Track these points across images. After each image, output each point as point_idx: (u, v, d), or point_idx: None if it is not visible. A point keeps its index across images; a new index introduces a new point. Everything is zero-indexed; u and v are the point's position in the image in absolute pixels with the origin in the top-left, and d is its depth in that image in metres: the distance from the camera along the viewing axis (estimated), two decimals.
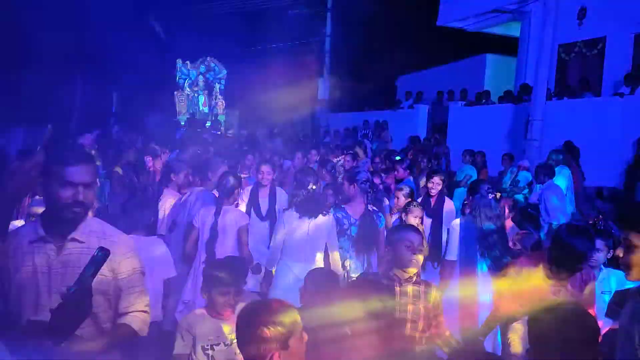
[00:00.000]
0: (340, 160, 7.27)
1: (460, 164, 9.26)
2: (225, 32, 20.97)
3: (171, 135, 13.46)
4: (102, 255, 1.66)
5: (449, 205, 5.15)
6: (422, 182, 6.12)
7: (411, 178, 6.73)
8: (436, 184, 5.09)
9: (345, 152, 8.60)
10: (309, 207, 3.99)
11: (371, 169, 7.29)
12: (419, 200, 5.10)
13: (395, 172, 6.58)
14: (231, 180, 4.10)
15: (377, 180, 5.77)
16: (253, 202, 5.03)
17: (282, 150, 9.90)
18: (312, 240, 3.96)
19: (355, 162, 7.68)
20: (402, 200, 4.92)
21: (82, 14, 14.64)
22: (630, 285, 2.39)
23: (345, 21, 19.77)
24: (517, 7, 11.76)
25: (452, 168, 10.37)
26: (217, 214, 3.98)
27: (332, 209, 4.24)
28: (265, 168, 5.11)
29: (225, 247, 3.93)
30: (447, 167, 10.50)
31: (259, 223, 4.94)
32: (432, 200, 5.10)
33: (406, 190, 5.07)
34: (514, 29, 12.93)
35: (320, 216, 3.99)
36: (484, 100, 12.31)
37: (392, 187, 6.12)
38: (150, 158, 6.72)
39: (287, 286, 3.75)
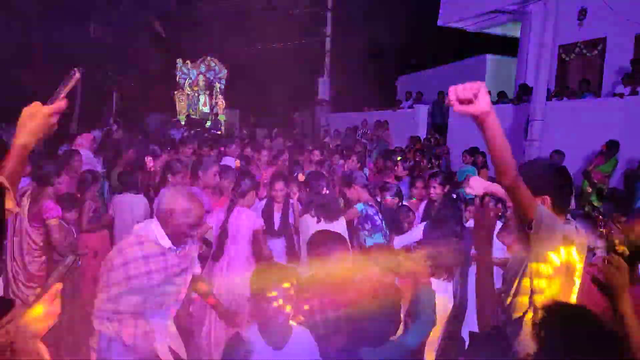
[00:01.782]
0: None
1: (461, 164, 9.25)
2: (225, 31, 20.98)
3: (168, 135, 13.46)
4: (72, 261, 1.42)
5: None
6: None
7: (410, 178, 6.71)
8: (433, 188, 4.78)
9: (345, 153, 8.59)
10: (328, 211, 3.93)
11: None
12: (422, 205, 4.96)
13: (395, 170, 6.53)
14: (247, 182, 4.01)
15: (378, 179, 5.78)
16: (265, 219, 4.50)
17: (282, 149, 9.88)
18: None
19: (360, 164, 7.65)
20: (390, 201, 4.83)
21: (82, 14, 14.63)
22: None
23: (346, 21, 19.76)
24: (518, 7, 11.74)
25: (453, 169, 10.36)
26: (229, 210, 3.89)
27: (363, 206, 4.23)
28: (278, 185, 4.58)
29: (240, 249, 3.84)
30: (448, 167, 10.50)
31: (271, 241, 4.46)
32: (436, 206, 4.78)
33: (393, 190, 4.97)
34: (514, 30, 12.92)
35: (340, 219, 3.97)
36: None
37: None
38: (151, 158, 6.71)
39: None
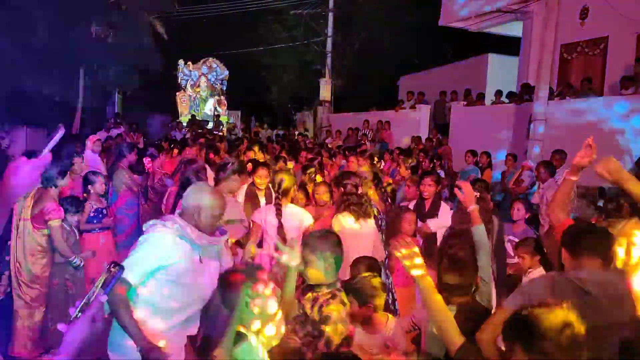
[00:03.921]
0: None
1: (464, 164, 9.23)
2: (227, 32, 21.00)
3: (170, 136, 13.46)
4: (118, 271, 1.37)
5: (445, 209, 4.74)
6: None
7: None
8: (428, 186, 4.73)
9: (347, 153, 8.58)
10: (361, 210, 3.97)
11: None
12: (412, 203, 4.89)
13: (399, 170, 6.54)
14: (286, 179, 4.02)
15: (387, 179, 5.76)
16: (252, 204, 4.67)
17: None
18: (365, 241, 3.92)
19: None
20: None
21: (83, 15, 14.65)
22: None
23: (347, 21, 19.76)
24: (519, 7, 11.72)
25: (454, 168, 10.34)
26: (278, 214, 3.90)
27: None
28: (262, 172, 4.74)
29: None
30: (450, 167, 10.47)
31: None
32: (427, 204, 4.77)
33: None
34: (516, 29, 12.90)
35: (369, 218, 4.02)
36: (491, 100, 12.31)
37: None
38: (149, 159, 6.71)
39: None
